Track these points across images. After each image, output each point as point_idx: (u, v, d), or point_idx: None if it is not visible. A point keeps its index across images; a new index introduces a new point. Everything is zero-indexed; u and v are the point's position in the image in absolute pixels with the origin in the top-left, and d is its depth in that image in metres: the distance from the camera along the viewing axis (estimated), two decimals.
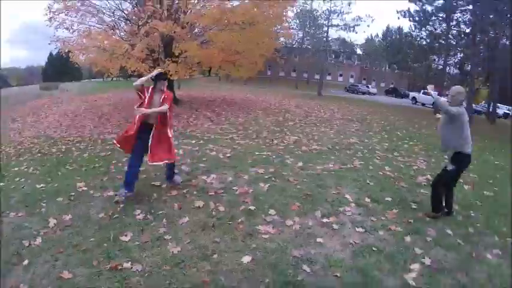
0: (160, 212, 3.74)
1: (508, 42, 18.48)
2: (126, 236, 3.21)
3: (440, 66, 21.11)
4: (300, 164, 5.62)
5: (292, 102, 16.84)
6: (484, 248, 3.66)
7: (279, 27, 14.41)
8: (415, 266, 3.05)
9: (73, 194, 4.35)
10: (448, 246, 3.52)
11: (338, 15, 27.60)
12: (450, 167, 3.95)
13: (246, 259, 2.89)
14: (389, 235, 3.56)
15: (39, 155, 7.00)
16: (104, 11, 12.31)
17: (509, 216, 4.74)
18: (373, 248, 3.26)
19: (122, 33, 11.79)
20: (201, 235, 3.27)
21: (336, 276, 2.77)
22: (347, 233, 3.51)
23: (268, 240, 3.22)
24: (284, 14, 13.23)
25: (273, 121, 10.05)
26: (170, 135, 4.12)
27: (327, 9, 27.91)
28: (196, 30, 13.34)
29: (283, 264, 2.86)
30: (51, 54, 59.75)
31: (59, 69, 54.94)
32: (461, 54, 20.62)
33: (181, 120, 10.17)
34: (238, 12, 10.58)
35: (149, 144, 3.91)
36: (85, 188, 4.54)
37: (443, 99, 4.20)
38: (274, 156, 6.10)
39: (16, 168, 5.98)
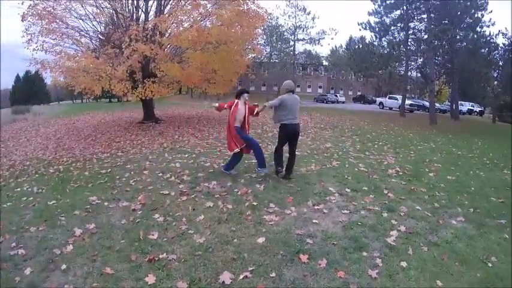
0: (178, 214, 4.37)
1: (463, 45, 20.54)
2: (153, 235, 3.79)
3: (403, 72, 22.95)
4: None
5: (267, 115, 17.75)
6: (449, 217, 4.58)
7: (248, 44, 15.35)
8: (394, 233, 3.90)
9: (88, 207, 4.81)
10: (419, 217, 4.42)
11: (303, 30, 29.36)
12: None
13: (261, 240, 3.61)
14: (370, 213, 4.42)
15: (37, 175, 7.26)
16: (84, 33, 12.88)
17: (472, 194, 5.68)
18: (359, 223, 4.10)
19: (103, 55, 12.25)
20: (219, 227, 3.95)
21: (333, 244, 3.56)
22: (336, 215, 4.33)
23: (275, 225, 3.98)
24: (254, 32, 14.24)
25: (254, 134, 10.84)
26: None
27: (293, 24, 29.64)
28: (169, 51, 14.00)
29: (290, 240, 3.62)
30: (18, 76, 58.64)
31: (27, 92, 54.21)
32: (421, 59, 22.60)
33: (167, 137, 10.73)
34: (213, 33, 11.41)
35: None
36: (99, 201, 5.02)
37: (272, 101, 5.73)
38: None
39: (18, 189, 6.26)
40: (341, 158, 7.54)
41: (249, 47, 16.11)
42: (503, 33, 22.87)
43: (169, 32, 12.80)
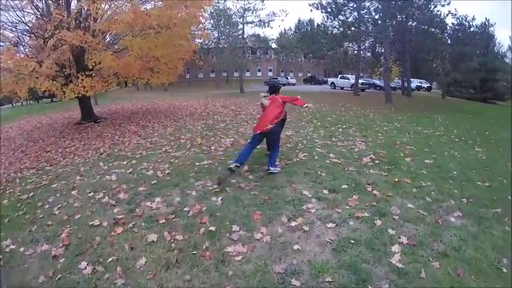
0: (111, 258, 3.19)
1: (414, 24, 20.88)
2: None
3: (356, 51, 22.84)
4: (246, 167, 5.40)
5: (217, 103, 16.59)
6: (446, 213, 3.97)
7: (195, 28, 14.02)
8: (396, 248, 3.12)
9: (0, 257, 3.56)
10: (415, 220, 3.70)
11: (252, 12, 28.13)
12: None
13: None
14: (360, 223, 3.58)
15: None
16: (6, 25, 10.63)
17: (457, 179, 5.19)
18: (351, 241, 3.23)
19: (26, 50, 10.24)
20: (167, 275, 2.86)
21: (328, 282, 2.64)
22: (320, 232, 3.42)
23: (244, 262, 2.96)
24: (200, 14, 12.89)
25: (204, 126, 9.68)
26: None
27: (241, 7, 28.29)
28: (108, 38, 12.30)
29: (269, 285, 2.64)
30: None
31: None
32: (372, 39, 22.55)
33: (105, 139, 9.24)
34: (153, 15, 9.96)
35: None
36: (13, 246, 3.72)
37: None
38: (216, 164, 5.79)
39: None
40: (307, 147, 6.64)
41: (197, 32, 14.71)
42: (452, 14, 24.30)
43: (103, 16, 11.05)
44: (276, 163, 5.24)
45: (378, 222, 3.57)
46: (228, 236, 3.41)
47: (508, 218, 3.99)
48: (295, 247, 3.14)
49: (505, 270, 2.95)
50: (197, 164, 5.82)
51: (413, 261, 2.97)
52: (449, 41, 26.16)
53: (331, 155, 6.06)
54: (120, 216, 4.06)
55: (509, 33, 56.95)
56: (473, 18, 28.47)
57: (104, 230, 3.80)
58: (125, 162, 6.51)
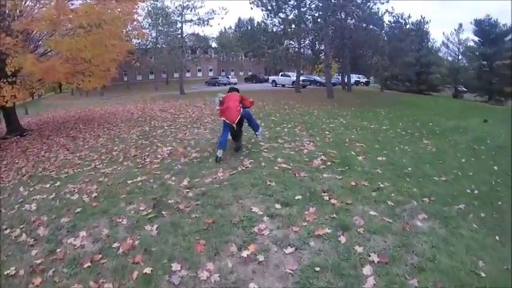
0: None
1: (353, 22, 21.46)
2: None
3: (296, 49, 22.86)
4: (186, 182, 4.70)
5: (155, 107, 15.45)
6: (411, 217, 3.68)
7: (130, 27, 12.81)
8: (367, 269, 2.72)
9: None
10: (381, 230, 3.34)
11: (191, 10, 26.95)
12: None
13: None
14: (322, 242, 3.08)
15: None
16: None
17: (413, 176, 4.96)
18: (316, 268, 2.69)
19: None
20: None
21: None
22: (278, 261, 2.84)
23: None
24: (134, 11, 11.74)
25: (140, 133, 8.70)
26: None
27: (180, 4, 26.95)
28: (29, 39, 10.73)
29: None
30: None
31: None
32: (312, 37, 22.70)
33: (30, 156, 7.92)
34: (80, 11, 8.76)
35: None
36: None
37: None
38: (151, 180, 4.98)
39: None
40: (252, 152, 6.05)
41: (132, 31, 13.47)
42: (389, 12, 25.68)
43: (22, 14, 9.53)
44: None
45: (343, 239, 3.10)
46: (167, 279, 2.70)
47: (472, 215, 3.91)
48: (251, 286, 2.53)
49: (483, 274, 2.78)
50: (129, 182, 4.99)
51: (389, 283, 2.57)
52: (385, 38, 27.40)
53: (279, 159, 5.54)
54: (38, 261, 3.19)
55: (442, 30, 63.05)
56: (409, 16, 30.28)
57: (21, 282, 2.94)
58: (48, 185, 5.49)
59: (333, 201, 3.90)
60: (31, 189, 5.50)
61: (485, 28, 33.13)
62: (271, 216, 3.58)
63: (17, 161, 7.80)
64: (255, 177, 4.72)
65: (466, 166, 6.15)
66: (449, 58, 39.38)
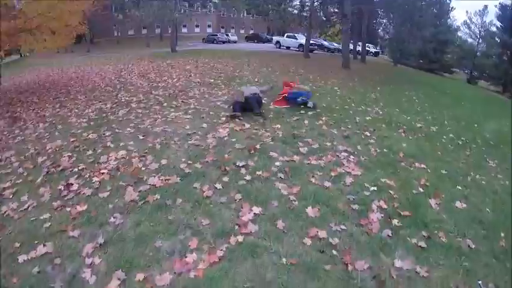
0: None
1: None
2: None
3: (308, 8, 19.52)
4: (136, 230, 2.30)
5: (136, 69, 12.49)
6: None
7: None
8: None
9: None
10: None
11: None
12: None
13: None
14: None
15: None
16: None
17: None
18: None
19: None
20: None
21: None
22: None
23: None
24: None
25: (95, 114, 5.99)
26: None
27: None
28: None
29: None
30: None
31: None
32: None
33: None
34: None
35: None
36: None
37: None
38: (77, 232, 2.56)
39: None
40: (254, 182, 3.48)
41: None
42: None
43: None
44: None
45: None
46: None
47: None
48: None
49: None
50: (36, 242, 2.53)
51: None
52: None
53: (308, 208, 2.98)
54: None
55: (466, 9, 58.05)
56: None
57: None
58: None
59: None
60: None
61: (510, 15, 29.04)
62: None
63: None
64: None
65: None
66: (469, 40, 35.61)
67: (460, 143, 6.18)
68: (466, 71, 34.42)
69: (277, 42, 30.52)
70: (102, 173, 3.58)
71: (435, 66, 31.95)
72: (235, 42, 38.47)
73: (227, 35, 41.36)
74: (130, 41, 42.60)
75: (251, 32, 48.85)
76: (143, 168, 3.59)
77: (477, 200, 3.79)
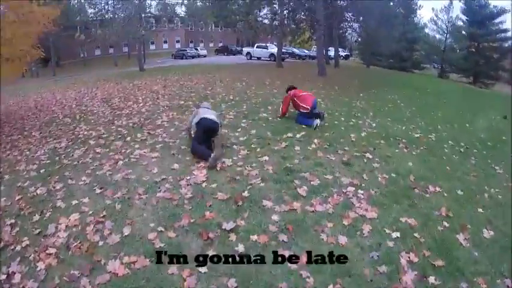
0: None
1: None
2: None
3: (277, 17, 19.00)
4: None
5: (100, 93, 11.39)
6: None
7: None
8: None
9: None
10: None
11: None
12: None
13: None
14: None
15: None
16: None
17: None
18: None
19: None
20: None
21: None
22: None
23: None
24: None
25: (47, 157, 4.93)
26: None
27: None
28: None
29: None
30: None
31: None
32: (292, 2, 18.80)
33: None
34: None
35: None
36: None
37: None
38: None
39: None
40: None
41: None
42: None
43: None
44: None
45: None
46: None
47: None
48: None
49: None
50: None
51: None
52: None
53: None
54: None
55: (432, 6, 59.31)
56: None
57: None
58: None
59: None
60: None
61: (475, 8, 30.03)
62: None
63: None
64: None
65: None
66: (437, 36, 36.29)
67: (462, 150, 5.71)
68: (436, 66, 35.01)
69: (248, 53, 30.01)
70: (49, 255, 2.67)
71: (406, 65, 32.34)
72: (205, 56, 37.88)
73: (196, 49, 40.72)
74: (97, 61, 41.04)
75: (220, 44, 48.25)
76: (100, 243, 2.71)
77: (500, 222, 3.33)
